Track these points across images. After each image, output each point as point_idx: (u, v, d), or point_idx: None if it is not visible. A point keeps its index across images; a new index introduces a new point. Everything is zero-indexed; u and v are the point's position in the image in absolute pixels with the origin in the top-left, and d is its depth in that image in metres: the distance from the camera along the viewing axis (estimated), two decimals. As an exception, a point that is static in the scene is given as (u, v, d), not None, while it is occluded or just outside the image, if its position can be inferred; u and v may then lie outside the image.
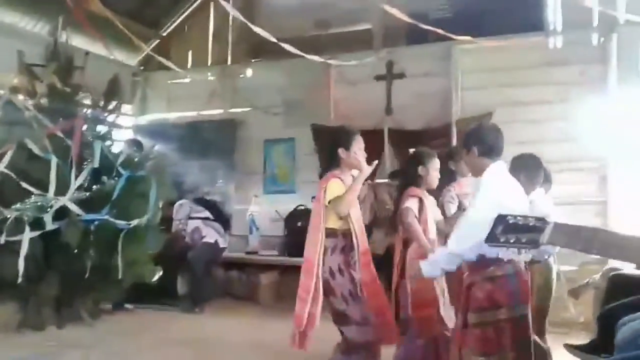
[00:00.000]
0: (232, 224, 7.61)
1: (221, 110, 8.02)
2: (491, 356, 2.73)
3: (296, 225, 7.04)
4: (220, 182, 7.89)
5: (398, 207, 3.79)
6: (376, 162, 3.56)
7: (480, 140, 2.99)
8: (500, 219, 1.87)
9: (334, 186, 3.40)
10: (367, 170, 3.43)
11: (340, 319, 3.41)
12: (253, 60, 8.18)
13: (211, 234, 6.90)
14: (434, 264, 2.91)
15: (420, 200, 3.70)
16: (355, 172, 3.54)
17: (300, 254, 7.07)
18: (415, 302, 3.54)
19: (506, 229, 1.83)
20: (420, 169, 3.74)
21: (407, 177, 3.83)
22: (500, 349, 2.73)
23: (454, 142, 6.43)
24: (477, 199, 2.85)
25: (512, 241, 1.82)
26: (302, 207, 7.08)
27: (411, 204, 3.66)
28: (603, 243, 1.82)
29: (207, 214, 7.09)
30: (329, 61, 6.46)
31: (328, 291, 3.40)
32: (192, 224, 6.96)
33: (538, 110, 6.16)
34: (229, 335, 5.38)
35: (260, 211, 7.38)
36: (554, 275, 3.92)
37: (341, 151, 3.48)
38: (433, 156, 3.82)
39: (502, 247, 1.86)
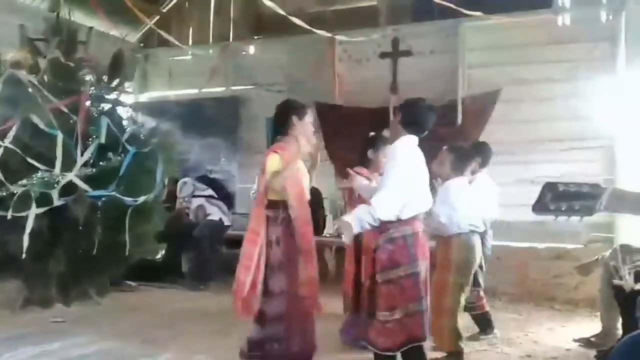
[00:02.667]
0: (236, 202, 7.58)
1: (223, 88, 7.95)
2: (395, 310, 3.05)
3: (300, 203, 7.01)
4: (223, 161, 7.85)
5: None
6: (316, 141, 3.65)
7: (405, 113, 3.26)
8: (550, 186, 1.81)
9: (272, 161, 3.44)
10: (305, 147, 3.45)
11: (264, 288, 3.48)
12: (255, 37, 8.08)
13: (215, 212, 6.89)
14: (361, 222, 3.04)
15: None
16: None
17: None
18: None
19: (556, 196, 1.78)
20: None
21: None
22: (403, 303, 3.07)
23: (459, 120, 6.41)
24: (388, 169, 3.14)
25: (563, 209, 1.78)
26: (307, 185, 7.05)
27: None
28: None
29: (210, 192, 7.07)
30: (335, 37, 6.38)
31: (266, 259, 3.48)
32: (196, 202, 6.94)
33: (546, 88, 6.14)
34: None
35: (264, 189, 7.34)
36: (477, 252, 4.01)
37: (295, 119, 3.50)
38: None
39: (552, 215, 1.82)
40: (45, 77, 5.54)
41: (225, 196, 7.28)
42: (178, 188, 6.95)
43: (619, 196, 1.80)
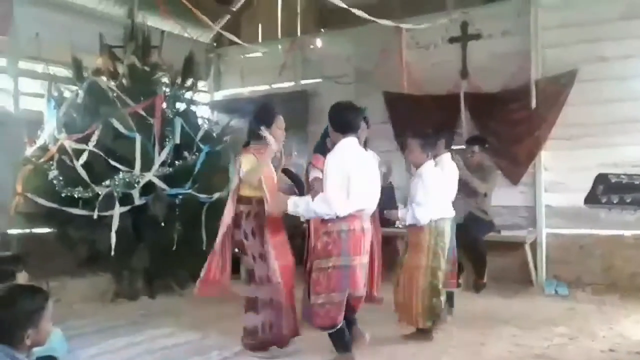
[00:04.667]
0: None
1: (293, 83, 8.04)
2: (320, 295, 3.48)
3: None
4: (295, 154, 7.92)
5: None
6: (282, 141, 3.91)
7: (333, 119, 3.63)
8: (601, 178, 1.74)
9: (246, 160, 3.80)
10: (274, 147, 3.78)
11: (249, 276, 3.89)
12: (322, 30, 8.11)
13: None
14: (296, 206, 3.49)
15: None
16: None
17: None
18: None
19: (608, 188, 1.71)
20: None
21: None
22: (327, 290, 3.47)
23: (534, 103, 6.16)
24: (327, 175, 3.43)
25: (615, 202, 1.71)
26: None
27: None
28: None
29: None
30: (401, 25, 6.28)
31: (243, 251, 3.87)
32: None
33: (627, 65, 5.76)
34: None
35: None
36: (447, 237, 4.27)
37: (263, 129, 3.80)
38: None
39: (604, 208, 1.75)
40: (124, 82, 5.86)
41: (300, 189, 7.36)
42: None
43: None
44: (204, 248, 5.41)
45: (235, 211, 3.84)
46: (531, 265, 6.00)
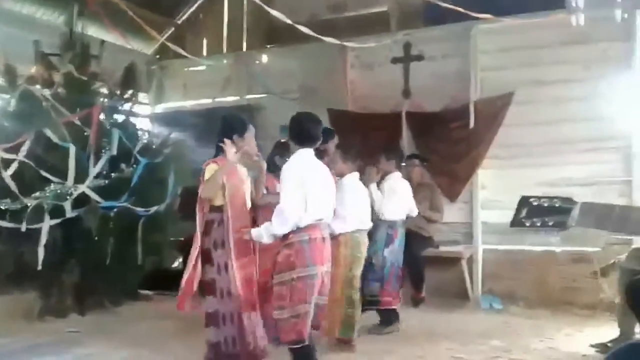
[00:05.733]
0: (252, 211, 7.58)
1: (237, 97, 7.98)
2: (284, 309, 3.32)
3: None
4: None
5: None
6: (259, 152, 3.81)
7: (291, 129, 3.53)
8: (524, 201, 1.79)
9: (209, 170, 3.60)
10: (232, 157, 3.59)
11: (208, 287, 3.62)
12: (268, 46, 8.12)
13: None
14: (260, 236, 3.38)
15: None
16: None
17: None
18: None
19: (531, 211, 1.76)
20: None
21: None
22: (292, 303, 3.31)
23: (472, 123, 6.32)
24: (283, 186, 3.34)
25: (538, 225, 1.75)
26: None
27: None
28: (638, 222, 1.73)
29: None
30: (346, 44, 6.35)
31: (207, 260, 3.63)
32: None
33: (561, 89, 6.00)
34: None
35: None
36: (363, 248, 4.43)
37: (236, 137, 3.69)
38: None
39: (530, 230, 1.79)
40: (60, 91, 5.66)
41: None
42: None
43: (586, 211, 1.75)
44: (139, 263, 5.26)
45: (205, 219, 3.63)
46: (467, 280, 6.12)
